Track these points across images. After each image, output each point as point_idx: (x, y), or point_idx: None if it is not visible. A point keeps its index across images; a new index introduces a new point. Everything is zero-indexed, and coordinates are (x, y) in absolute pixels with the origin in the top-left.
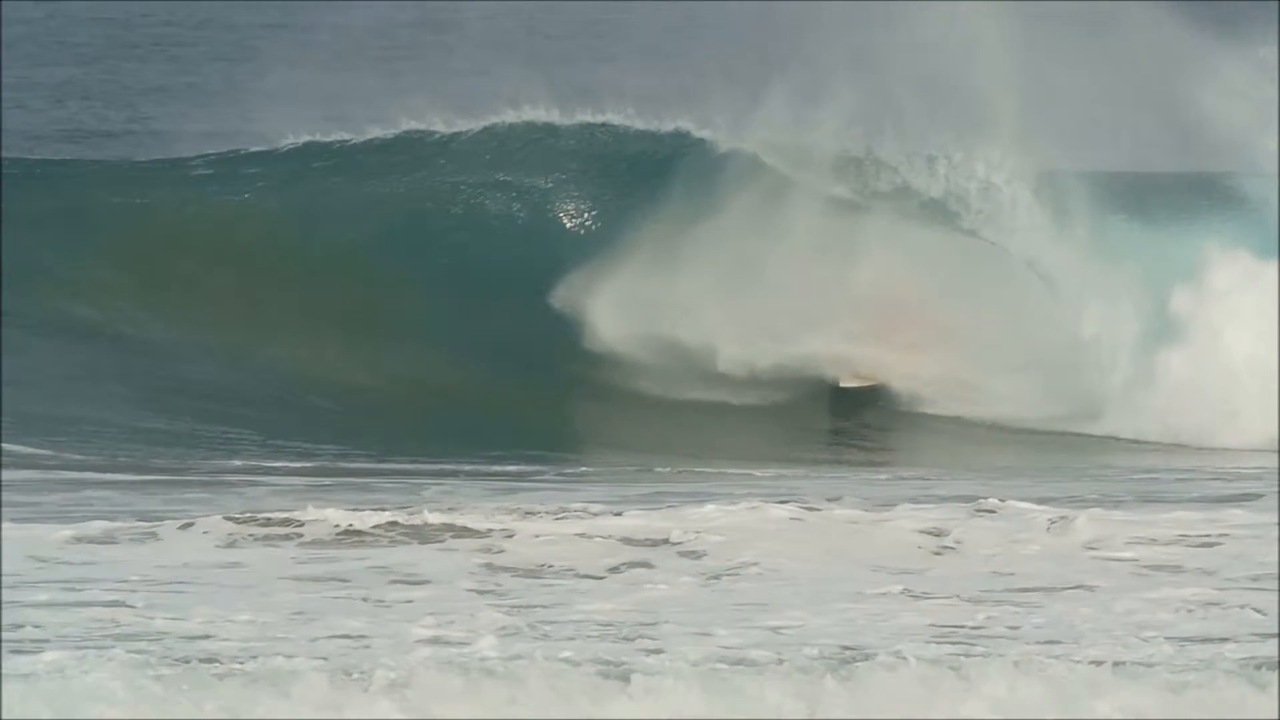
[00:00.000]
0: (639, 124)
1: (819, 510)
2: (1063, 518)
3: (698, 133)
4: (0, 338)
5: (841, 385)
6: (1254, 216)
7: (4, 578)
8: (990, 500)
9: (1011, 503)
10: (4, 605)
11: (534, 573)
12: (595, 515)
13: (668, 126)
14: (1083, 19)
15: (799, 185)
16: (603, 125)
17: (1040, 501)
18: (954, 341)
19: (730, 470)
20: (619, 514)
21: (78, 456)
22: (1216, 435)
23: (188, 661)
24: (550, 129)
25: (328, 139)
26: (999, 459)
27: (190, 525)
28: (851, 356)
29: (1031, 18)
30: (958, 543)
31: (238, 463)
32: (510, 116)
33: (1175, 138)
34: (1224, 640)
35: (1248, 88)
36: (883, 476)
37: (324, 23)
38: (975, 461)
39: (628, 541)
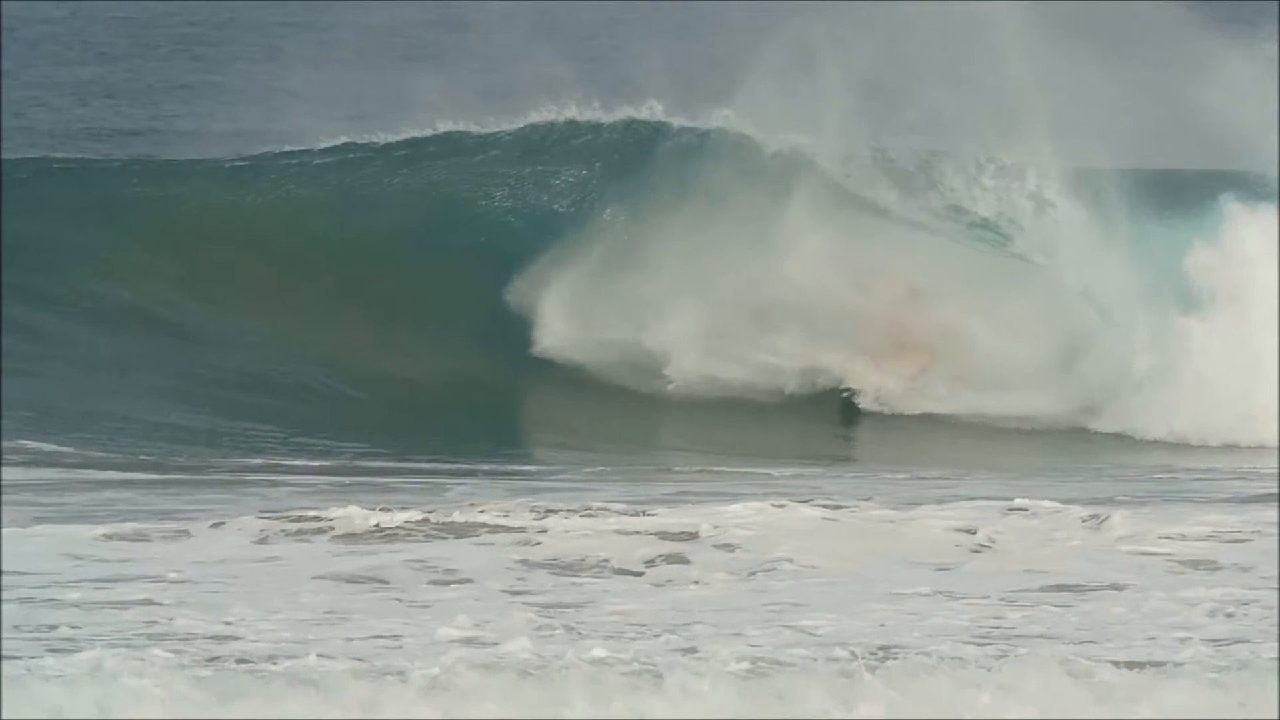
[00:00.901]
0: (681, 120)
1: (848, 509)
2: (1094, 516)
3: (737, 128)
4: (0, 338)
5: (891, 384)
6: (1260, 215)
7: (37, 577)
8: (1020, 499)
9: (1043, 501)
10: (39, 605)
11: (568, 570)
12: (624, 514)
13: (712, 123)
14: (1083, 18)
15: (812, 186)
16: (637, 122)
17: (1066, 501)
18: (961, 344)
19: (748, 470)
20: (648, 513)
21: (100, 454)
22: (1227, 435)
23: (225, 661)
24: (591, 126)
25: (361, 140)
26: (1014, 458)
27: (221, 524)
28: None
29: (1034, 18)
30: (991, 541)
31: (258, 460)
32: (549, 114)
33: (1179, 135)
34: (1263, 640)
35: (1253, 85)
36: (902, 476)
37: (347, 21)
38: (992, 461)
39: (661, 539)
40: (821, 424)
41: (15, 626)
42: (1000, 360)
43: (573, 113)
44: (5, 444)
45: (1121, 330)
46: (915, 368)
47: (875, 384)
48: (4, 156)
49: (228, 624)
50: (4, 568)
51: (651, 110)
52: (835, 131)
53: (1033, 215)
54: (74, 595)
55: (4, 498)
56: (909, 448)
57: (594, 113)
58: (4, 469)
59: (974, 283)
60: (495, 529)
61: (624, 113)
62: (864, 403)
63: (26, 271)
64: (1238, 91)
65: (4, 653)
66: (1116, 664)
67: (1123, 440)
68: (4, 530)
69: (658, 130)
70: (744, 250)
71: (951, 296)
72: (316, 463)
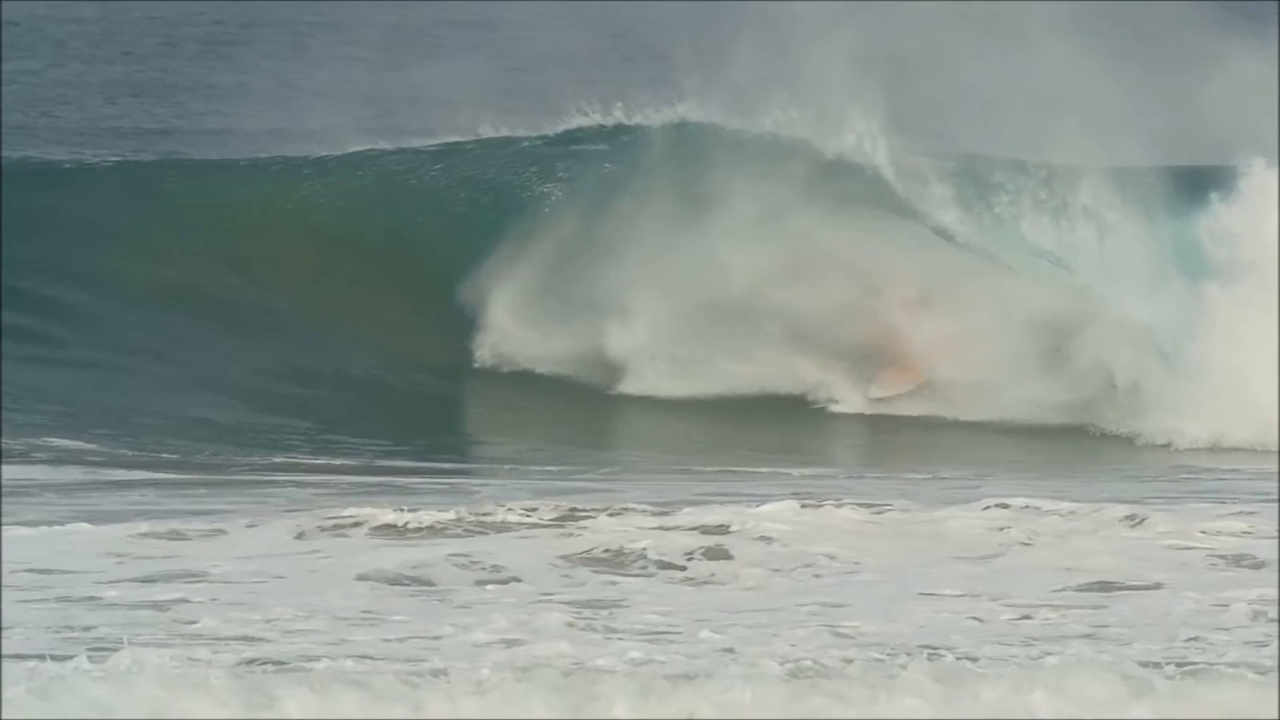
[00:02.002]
0: (735, 122)
1: (881, 509)
2: (1132, 515)
3: (788, 132)
4: (0, 338)
5: (873, 396)
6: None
7: (77, 576)
8: (1053, 499)
9: (1076, 501)
10: (78, 604)
11: (608, 569)
12: (656, 513)
13: (766, 126)
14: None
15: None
16: (684, 124)
17: (1101, 500)
18: (963, 351)
19: (766, 469)
20: (679, 513)
21: (129, 452)
22: (1229, 438)
23: (268, 661)
24: (635, 129)
25: (389, 140)
26: (1026, 458)
27: (256, 524)
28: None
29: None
30: (1030, 540)
31: (280, 459)
32: (583, 120)
33: (1184, 134)
34: None
35: (1261, 83)
36: (922, 476)
37: (373, 20)
38: (1011, 460)
39: (696, 539)
40: (819, 426)
41: (56, 627)
42: (1003, 364)
43: (612, 116)
44: (33, 441)
45: (1125, 333)
46: (910, 381)
47: (866, 392)
48: (34, 156)
49: (270, 622)
50: (42, 567)
51: (697, 110)
52: (880, 134)
53: (1040, 208)
54: (114, 594)
55: (33, 497)
56: (913, 449)
57: (636, 115)
58: (33, 467)
59: (978, 287)
60: (534, 526)
61: (672, 114)
62: (854, 408)
63: (43, 269)
64: (1245, 90)
65: (47, 652)
66: (1159, 664)
67: (1126, 442)
68: (41, 529)
69: (705, 131)
70: (750, 254)
71: (956, 303)
72: (339, 460)
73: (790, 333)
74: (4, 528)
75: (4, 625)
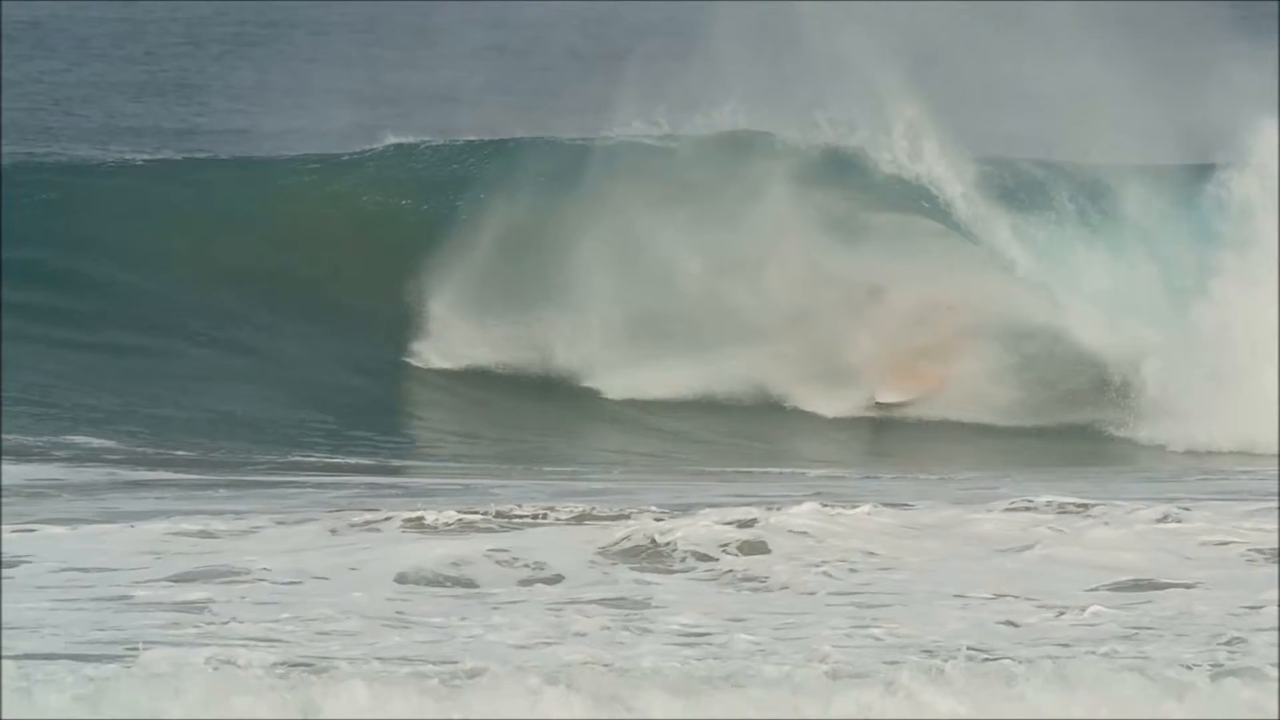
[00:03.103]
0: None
1: (907, 509)
2: (1165, 515)
3: (848, 142)
4: (1, 339)
5: (879, 400)
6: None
7: (112, 574)
8: (1081, 498)
9: (1110, 502)
10: (112, 603)
11: (644, 568)
12: (679, 516)
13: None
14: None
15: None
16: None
17: (1133, 500)
18: (976, 358)
19: (783, 470)
20: (703, 513)
21: (151, 451)
22: (1225, 441)
23: (308, 662)
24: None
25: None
26: (1035, 459)
27: (286, 522)
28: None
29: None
30: (1058, 539)
31: (297, 457)
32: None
33: (1187, 132)
34: None
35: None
36: (933, 477)
37: (395, 20)
38: (1024, 461)
39: (728, 538)
40: (820, 429)
41: (101, 626)
42: (1004, 365)
43: (658, 127)
44: (52, 440)
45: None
46: (926, 387)
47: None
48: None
49: (309, 622)
50: (78, 565)
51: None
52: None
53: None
54: (150, 594)
55: (51, 498)
56: (917, 450)
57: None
58: (50, 466)
59: (993, 295)
60: (565, 525)
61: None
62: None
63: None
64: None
65: (87, 653)
66: (1198, 665)
67: (1131, 443)
68: (80, 529)
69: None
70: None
71: (972, 310)
72: (354, 460)
73: (756, 331)
74: (39, 527)
75: (46, 626)
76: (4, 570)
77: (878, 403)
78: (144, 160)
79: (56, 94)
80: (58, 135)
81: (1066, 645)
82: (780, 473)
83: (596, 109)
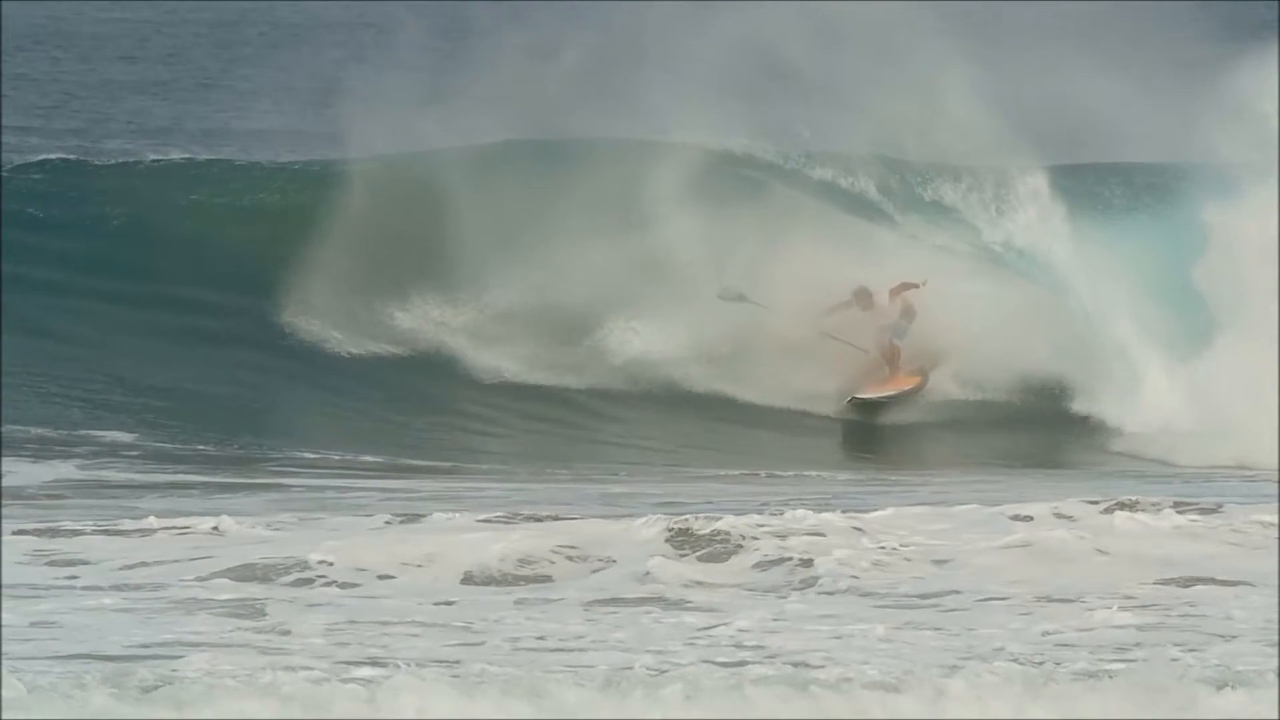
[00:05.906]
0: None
1: (951, 510)
2: (1207, 512)
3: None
4: (1, 339)
5: (858, 396)
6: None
7: (153, 568)
8: (1124, 496)
9: (1149, 500)
10: (179, 605)
11: (701, 572)
12: (732, 521)
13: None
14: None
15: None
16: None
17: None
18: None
19: (809, 473)
20: (753, 518)
21: (174, 447)
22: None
23: (377, 662)
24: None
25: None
26: (1042, 462)
27: (340, 520)
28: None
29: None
30: (1099, 538)
31: (311, 455)
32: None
33: (1188, 132)
34: None
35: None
36: (941, 480)
37: (414, 23)
38: (1035, 461)
39: (779, 543)
40: (818, 432)
41: (164, 625)
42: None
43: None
44: (71, 434)
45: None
46: (908, 387)
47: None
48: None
49: (383, 624)
50: (120, 562)
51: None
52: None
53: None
54: (209, 594)
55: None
56: (919, 450)
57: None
58: (71, 463)
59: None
60: (618, 535)
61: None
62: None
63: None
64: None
65: (155, 654)
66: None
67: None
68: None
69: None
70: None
71: (956, 314)
72: (363, 459)
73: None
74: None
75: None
76: (65, 571)
77: (856, 399)
78: (182, 159)
79: (72, 94)
80: (69, 136)
81: (1113, 644)
82: (795, 476)
83: None
